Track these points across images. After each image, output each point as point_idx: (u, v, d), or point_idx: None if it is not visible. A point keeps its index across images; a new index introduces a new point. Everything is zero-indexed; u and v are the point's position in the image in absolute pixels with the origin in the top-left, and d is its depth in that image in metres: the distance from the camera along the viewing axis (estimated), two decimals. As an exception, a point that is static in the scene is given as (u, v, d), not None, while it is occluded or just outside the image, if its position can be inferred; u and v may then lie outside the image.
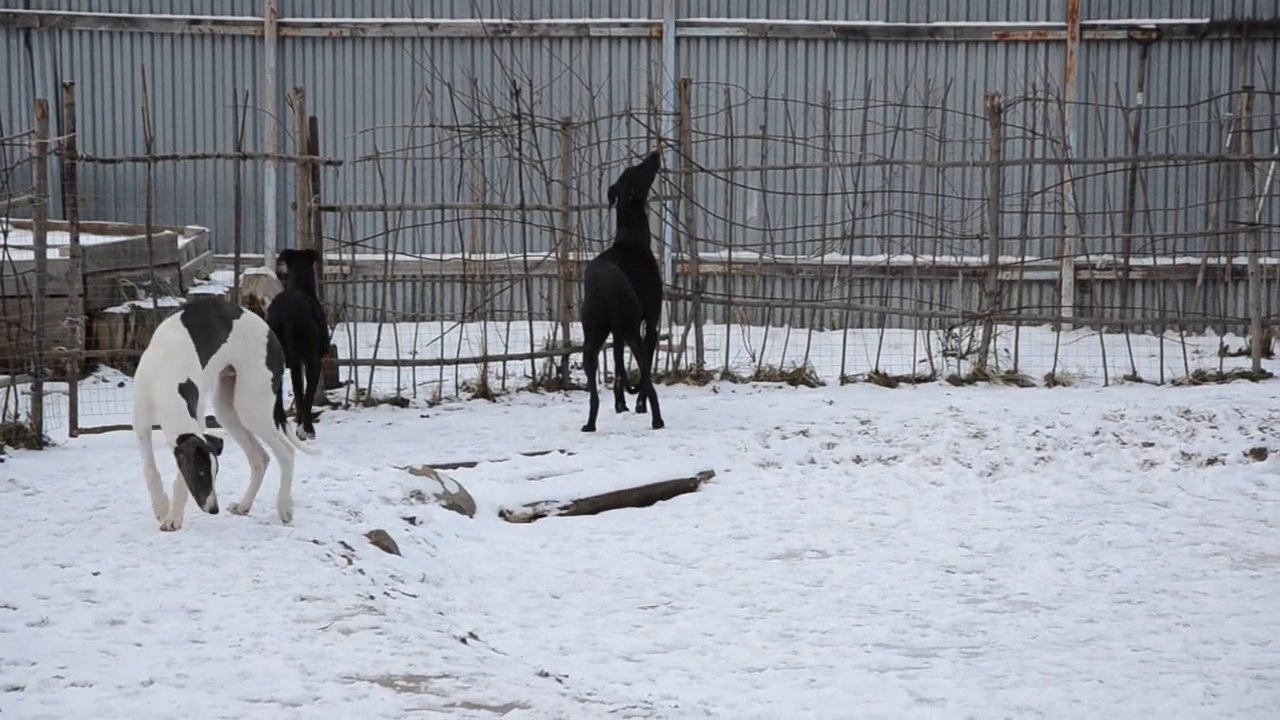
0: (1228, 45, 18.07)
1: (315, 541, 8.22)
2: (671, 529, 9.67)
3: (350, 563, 8.07)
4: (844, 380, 13.94)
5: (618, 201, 12.60)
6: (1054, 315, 16.90)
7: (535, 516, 9.97)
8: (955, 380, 13.85)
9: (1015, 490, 10.55)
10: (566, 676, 6.79)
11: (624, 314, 12.02)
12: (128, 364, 13.93)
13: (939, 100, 15.21)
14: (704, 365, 14.32)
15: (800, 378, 13.87)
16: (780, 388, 13.73)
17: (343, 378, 13.58)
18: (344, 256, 14.18)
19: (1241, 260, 15.40)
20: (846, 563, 8.88)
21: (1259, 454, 11.06)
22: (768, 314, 15.83)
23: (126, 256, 14.56)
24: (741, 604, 8.10)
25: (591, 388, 12.18)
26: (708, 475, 10.85)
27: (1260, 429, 11.35)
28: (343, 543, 8.36)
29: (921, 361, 14.17)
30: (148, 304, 13.78)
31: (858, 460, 11.22)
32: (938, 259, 15.45)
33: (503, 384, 13.60)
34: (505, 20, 18.49)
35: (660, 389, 13.09)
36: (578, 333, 14.32)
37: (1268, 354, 14.61)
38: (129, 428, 12.15)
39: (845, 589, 8.36)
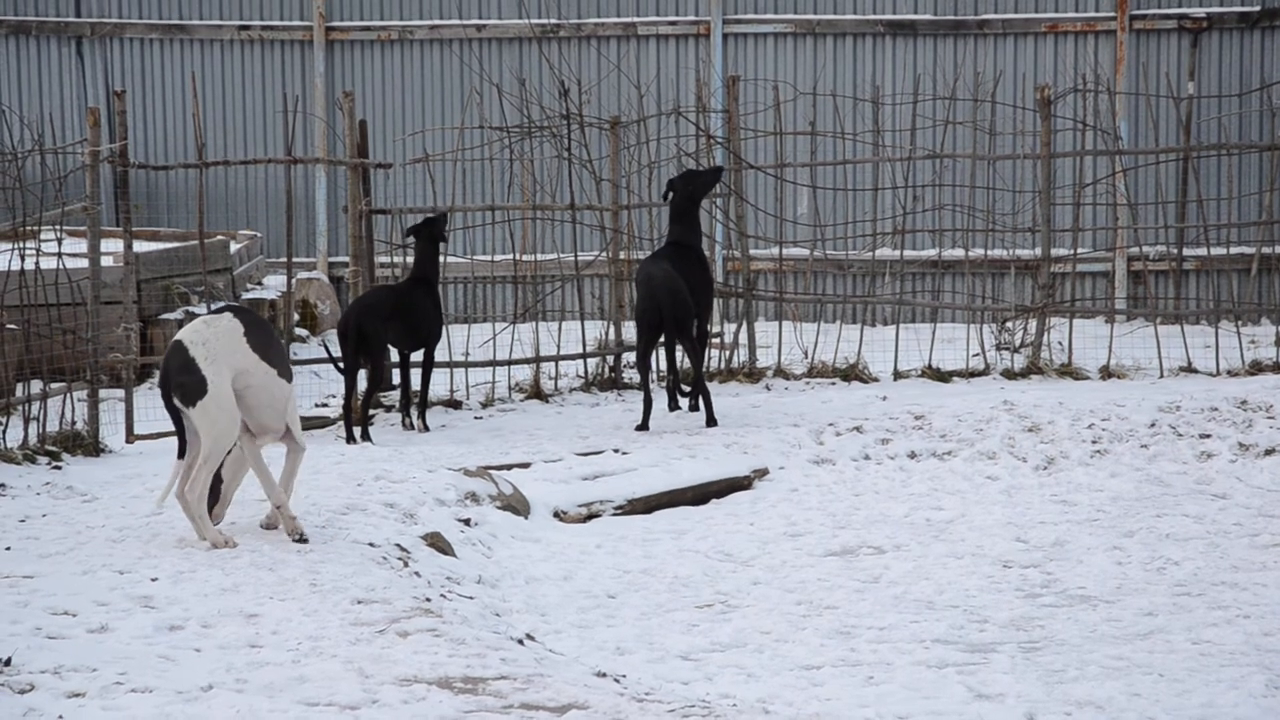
0: (1279, 33, 17.96)
1: (371, 544, 8.25)
2: (726, 527, 9.66)
3: (406, 565, 8.09)
4: (897, 376, 13.91)
5: (672, 198, 12.59)
6: (1107, 307, 16.82)
7: (590, 517, 9.98)
8: (1009, 374, 13.80)
9: (1071, 484, 10.50)
10: (624, 676, 6.79)
11: (676, 313, 12.02)
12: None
13: (988, 93, 15.17)
14: (756, 363, 14.30)
15: (853, 374, 13.85)
16: (834, 384, 13.71)
17: (395, 380, 13.59)
18: (395, 259, 14.21)
19: (1297, 249, 15.30)
20: (903, 559, 8.86)
21: (1317, 444, 11.01)
22: (819, 310, 15.81)
23: (180, 263, 14.65)
24: (798, 601, 8.09)
25: (645, 387, 12.18)
26: (762, 473, 10.83)
27: (1318, 419, 11.30)
28: (398, 545, 8.38)
29: (975, 356, 14.13)
30: (201, 309, 13.84)
31: (912, 456, 11.19)
32: (989, 253, 15.39)
33: (555, 384, 13.62)
34: (553, 20, 18.51)
35: (713, 387, 13.08)
36: (629, 332, 14.33)
37: (1325, 343, 14.51)
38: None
39: (902, 585, 8.34)
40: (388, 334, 12.25)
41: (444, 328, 12.80)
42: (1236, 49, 18.03)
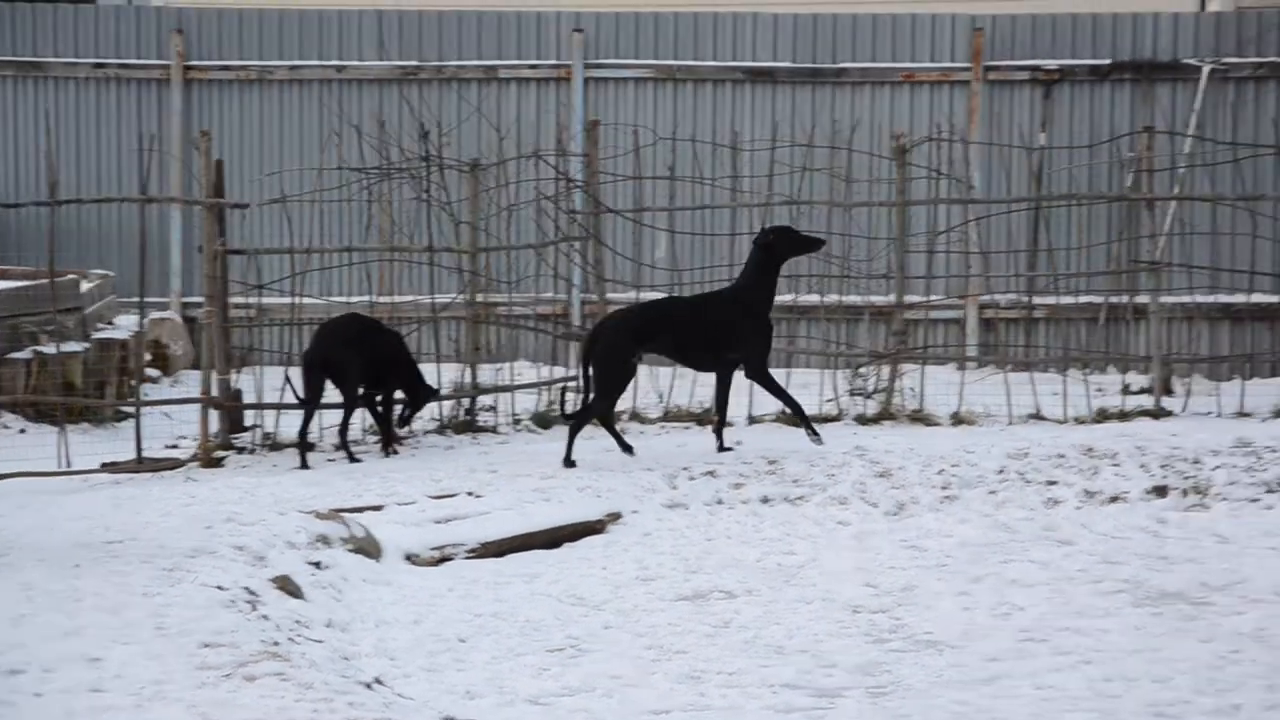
0: (1128, 86, 18.28)
1: (219, 587, 8.18)
2: (579, 571, 9.66)
3: (255, 608, 8.02)
4: (751, 420, 13.98)
5: (756, 247, 12.70)
6: (959, 354, 17.02)
7: (442, 560, 9.94)
8: (862, 419, 13.92)
9: (921, 529, 10.59)
10: (472, 721, 6.78)
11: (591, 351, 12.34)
12: (29, 410, 13.85)
13: (845, 140, 15.34)
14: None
15: (708, 419, 13.90)
16: (688, 428, 13.77)
17: (249, 422, 13.51)
18: (250, 300, 14.12)
19: (1143, 299, 15.56)
20: (754, 603, 8.89)
21: (1160, 491, 11.16)
22: (676, 354, 15.86)
23: (29, 301, 14.47)
24: (648, 646, 8.10)
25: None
26: (615, 517, 10.85)
27: (1161, 466, 11.46)
28: (247, 588, 8.31)
29: (828, 401, 14.24)
30: (50, 349, 13.69)
31: (765, 500, 11.25)
32: (844, 298, 15.53)
33: (410, 427, 13.56)
34: (414, 62, 18.50)
35: (567, 430, 13.12)
36: (485, 375, 14.33)
37: (1168, 392, 14.76)
38: (33, 474, 12.14)
39: (752, 629, 8.38)
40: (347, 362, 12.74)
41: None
42: (1087, 101, 18.33)
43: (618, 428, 12.79)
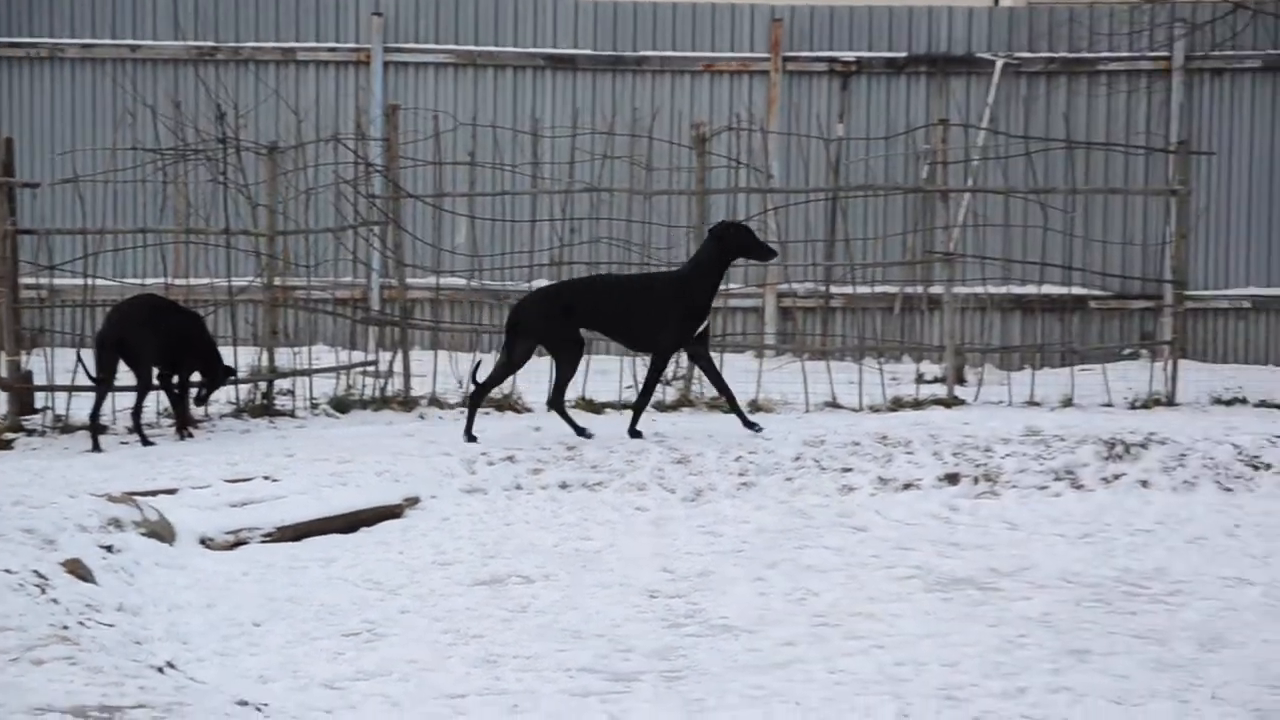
0: (924, 79, 18.54)
1: (7, 571, 8.02)
2: (376, 556, 9.61)
3: (44, 592, 7.88)
4: (550, 407, 13.98)
5: (707, 238, 12.71)
6: (757, 342, 17.15)
7: (238, 544, 9.83)
8: (660, 406, 13.97)
9: (718, 515, 10.65)
10: (266, 705, 6.71)
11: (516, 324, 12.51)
12: None
13: (646, 129, 15.38)
14: (411, 391, 14.27)
15: (508, 404, 13.89)
16: (488, 414, 13.72)
17: (39, 404, 13.27)
18: (41, 281, 13.87)
19: (937, 289, 15.77)
20: (551, 588, 8.90)
21: (952, 479, 11.33)
22: (476, 340, 15.84)
23: None
24: (445, 630, 8.08)
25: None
26: (413, 501, 10.80)
27: (954, 454, 11.64)
28: (36, 572, 8.16)
29: (628, 387, 14.28)
30: None
31: (564, 486, 11.26)
32: (644, 286, 15.57)
33: (206, 410, 13.39)
34: (210, 43, 18.28)
35: (366, 415, 13.07)
36: (283, 359, 14.20)
37: (961, 381, 14.98)
38: None
39: (549, 614, 8.38)
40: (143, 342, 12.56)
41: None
42: (883, 93, 18.56)
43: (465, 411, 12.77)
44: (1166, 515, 10.51)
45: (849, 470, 11.48)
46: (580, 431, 12.38)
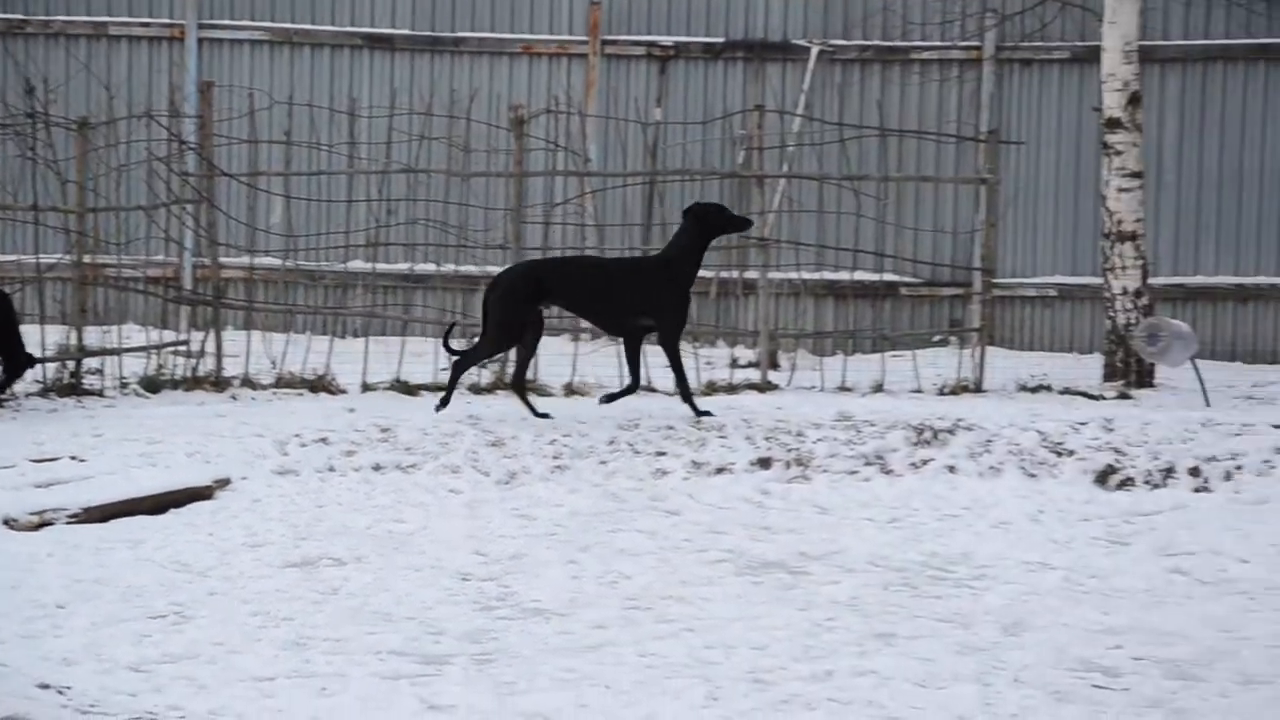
0: (741, 65, 18.67)
1: None
2: (185, 537, 9.51)
3: None
4: (366, 388, 13.94)
5: (686, 220, 12.55)
6: (574, 326, 17.17)
7: (42, 524, 9.68)
8: (475, 389, 13.96)
9: (532, 498, 10.66)
10: (69, 688, 6.63)
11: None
12: None
13: (464, 110, 15.33)
14: (223, 372, 14.14)
15: (321, 385, 13.81)
16: (301, 395, 13.66)
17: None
18: None
19: (752, 274, 15.89)
20: (363, 570, 8.86)
21: (764, 463, 11.41)
22: (289, 320, 15.71)
23: None
24: (254, 613, 8.02)
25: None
26: (224, 483, 10.70)
27: (766, 439, 11.72)
28: None
29: (443, 370, 14.24)
30: None
31: (377, 468, 11.21)
32: (461, 268, 15.54)
33: (11, 389, 13.17)
34: (19, 16, 17.96)
35: (178, 395, 12.93)
36: (92, 337, 14.01)
37: (775, 366, 15.12)
38: None
39: (360, 597, 8.35)
40: None
41: None
42: (701, 78, 18.66)
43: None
44: (973, 501, 10.67)
45: (663, 454, 11.52)
46: (537, 413, 12.34)
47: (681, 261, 12.48)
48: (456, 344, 12.79)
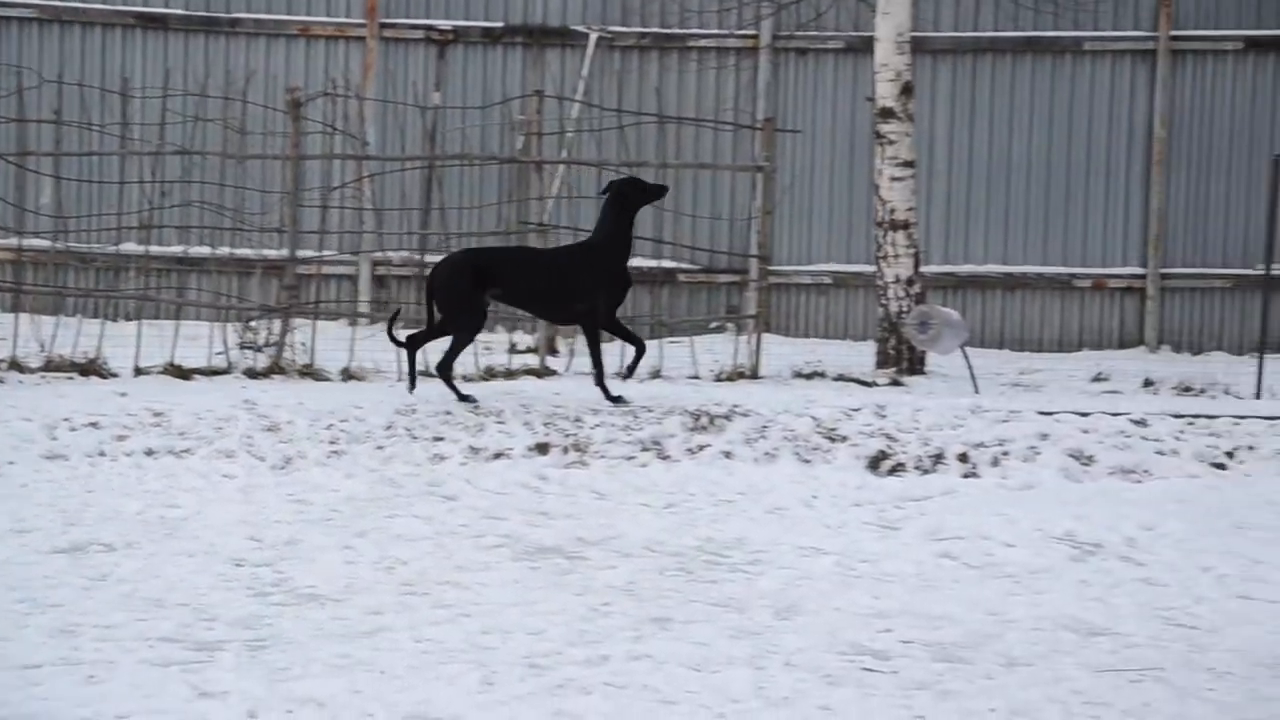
0: (520, 50, 18.66)
1: None
2: (-51, 525, 9.32)
3: None
4: (138, 372, 13.73)
5: (607, 200, 12.68)
6: (351, 310, 17.07)
7: None
8: (252, 373, 13.83)
9: (308, 483, 10.58)
10: None
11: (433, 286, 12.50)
12: None
13: (240, 92, 15.16)
14: (-11, 355, 13.86)
15: (92, 369, 13.59)
16: (71, 379, 13.42)
17: None
18: None
19: (532, 260, 15.85)
20: (134, 556, 8.74)
21: (542, 449, 11.44)
22: (59, 303, 15.43)
23: None
24: (21, 599, 7.86)
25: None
26: (-10, 469, 10.51)
27: (544, 424, 11.75)
28: None
29: (218, 354, 14.10)
30: None
31: (149, 453, 11.06)
32: (236, 251, 15.38)
33: None
34: None
35: None
36: None
37: (553, 352, 15.15)
38: None
39: (131, 583, 8.23)
40: None
41: None
42: (480, 63, 18.63)
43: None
44: (748, 486, 10.78)
45: (440, 439, 11.50)
46: (464, 398, 12.37)
47: (612, 243, 12.64)
48: (400, 333, 12.89)
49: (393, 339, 12.76)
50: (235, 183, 14.97)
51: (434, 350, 12.92)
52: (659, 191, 13.01)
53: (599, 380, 12.61)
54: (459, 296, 12.43)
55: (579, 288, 12.52)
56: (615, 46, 18.73)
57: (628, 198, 12.72)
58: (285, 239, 14.90)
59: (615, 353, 13.65)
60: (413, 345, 12.66)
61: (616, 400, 12.40)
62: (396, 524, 9.61)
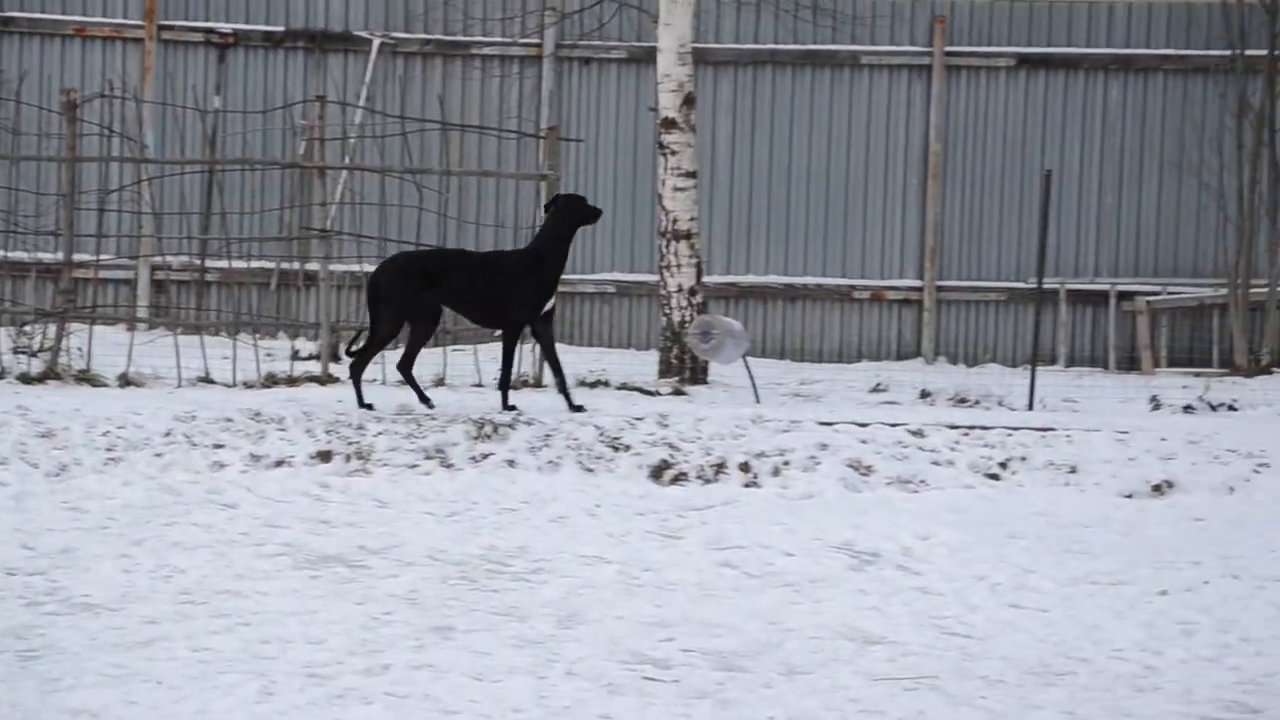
0: (302, 54, 18.51)
1: None
2: None
3: None
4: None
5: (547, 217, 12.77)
6: (129, 315, 16.82)
7: None
8: (26, 379, 13.57)
9: (84, 491, 10.42)
10: None
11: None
12: None
13: (13, 92, 14.88)
14: None
15: None
16: None
17: None
18: None
19: (313, 266, 15.77)
20: (-98, 568, 8.55)
21: (324, 456, 11.36)
22: None
23: None
24: None
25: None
26: None
27: (326, 432, 11.67)
28: None
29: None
30: None
31: (-84, 461, 10.83)
32: (10, 254, 15.07)
33: None
34: None
35: None
36: None
37: (336, 359, 15.03)
38: None
39: (-103, 596, 8.05)
40: None
41: None
42: (262, 67, 18.45)
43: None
44: (531, 495, 10.80)
45: (221, 446, 11.38)
46: (424, 400, 12.42)
47: (549, 254, 12.72)
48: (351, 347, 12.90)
49: (349, 354, 12.85)
50: (8, 184, 14.69)
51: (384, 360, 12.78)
52: (596, 214, 13.17)
53: (503, 387, 12.71)
54: (410, 298, 12.43)
55: (515, 295, 12.57)
56: (399, 53, 18.65)
57: (571, 213, 12.89)
58: (61, 242, 14.63)
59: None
60: (358, 365, 12.58)
61: (511, 409, 12.46)
62: (175, 532, 9.50)
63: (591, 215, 13.10)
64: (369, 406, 12.35)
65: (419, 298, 12.45)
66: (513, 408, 12.50)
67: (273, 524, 9.81)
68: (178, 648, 7.34)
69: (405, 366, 12.53)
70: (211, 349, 14.49)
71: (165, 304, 17.85)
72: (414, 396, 12.52)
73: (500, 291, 12.63)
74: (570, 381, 14.20)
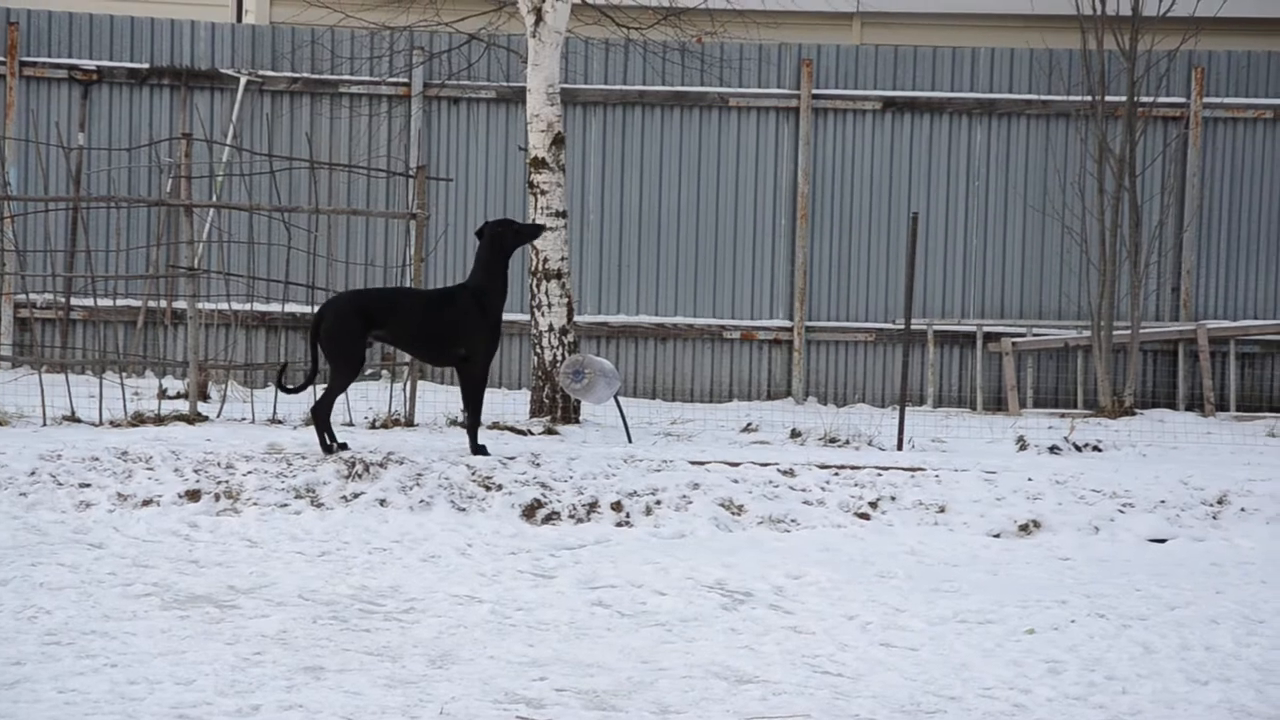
0: (168, 91, 18.37)
1: None
2: None
3: None
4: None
5: (481, 244, 12.55)
6: (-9, 353, 16.60)
7: None
8: (-116, 418, 13.36)
9: (-55, 532, 10.28)
10: None
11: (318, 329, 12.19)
12: None
13: (-126, 127, 14.67)
14: None
15: None
16: None
17: None
18: None
19: (181, 304, 15.64)
20: None
21: (193, 495, 11.27)
22: None
23: None
24: None
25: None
26: None
27: (195, 470, 11.57)
28: None
29: None
30: None
31: None
32: None
33: None
34: None
35: None
36: None
37: (205, 397, 14.92)
38: None
39: None
40: None
41: None
42: (126, 103, 18.29)
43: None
44: (403, 534, 10.76)
45: (87, 486, 11.26)
46: (328, 449, 12.14)
47: (489, 288, 12.58)
48: (291, 384, 12.84)
49: (280, 387, 12.61)
50: None
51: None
52: (534, 231, 13.12)
53: (471, 427, 12.54)
54: (345, 339, 12.23)
55: (461, 331, 12.46)
56: (266, 91, 18.55)
57: (503, 239, 12.74)
58: (-78, 280, 14.45)
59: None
60: (321, 412, 12.33)
61: (481, 450, 12.38)
62: (40, 572, 9.38)
63: (526, 234, 12.99)
64: (344, 446, 12.24)
65: (352, 340, 12.28)
66: (482, 448, 12.43)
67: (141, 563, 9.71)
68: (43, 689, 7.23)
69: (323, 411, 12.33)
70: (77, 387, 14.34)
71: (29, 342, 17.64)
72: (316, 438, 12.34)
73: (453, 329, 12.53)
74: (442, 421, 14.19)
